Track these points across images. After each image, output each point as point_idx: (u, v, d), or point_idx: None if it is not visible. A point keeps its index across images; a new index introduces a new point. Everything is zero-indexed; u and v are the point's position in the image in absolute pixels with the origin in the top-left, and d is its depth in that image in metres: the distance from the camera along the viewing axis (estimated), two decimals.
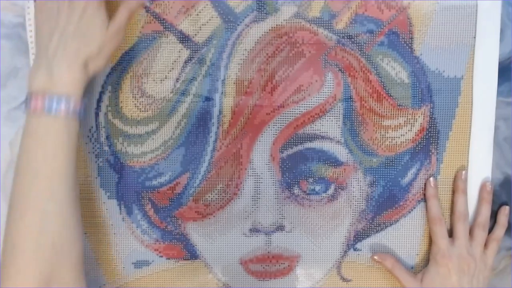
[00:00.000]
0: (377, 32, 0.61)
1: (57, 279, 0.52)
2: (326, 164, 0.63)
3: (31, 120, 0.53)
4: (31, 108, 0.52)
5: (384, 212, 0.65)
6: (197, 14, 0.61)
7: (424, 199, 0.65)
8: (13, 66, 0.63)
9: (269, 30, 0.61)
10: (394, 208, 0.65)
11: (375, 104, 0.62)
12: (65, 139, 0.53)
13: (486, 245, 0.65)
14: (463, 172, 0.64)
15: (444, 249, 0.62)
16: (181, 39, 0.61)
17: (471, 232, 0.64)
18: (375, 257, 0.65)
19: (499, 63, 0.63)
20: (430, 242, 0.65)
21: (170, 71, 0.61)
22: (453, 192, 0.64)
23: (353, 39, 0.61)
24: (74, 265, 0.54)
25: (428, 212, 0.64)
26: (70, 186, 0.54)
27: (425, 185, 0.64)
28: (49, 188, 0.52)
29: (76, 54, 0.53)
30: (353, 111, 0.62)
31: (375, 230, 0.65)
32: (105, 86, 0.62)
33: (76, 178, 0.55)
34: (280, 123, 0.62)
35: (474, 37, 0.62)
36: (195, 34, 0.61)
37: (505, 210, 0.66)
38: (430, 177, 0.64)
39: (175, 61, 0.61)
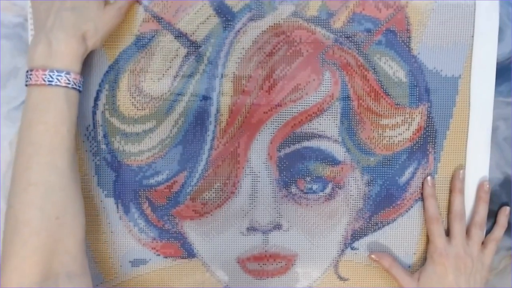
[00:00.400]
0: (374, 31, 0.61)
1: (61, 251, 0.53)
2: (324, 163, 0.63)
3: (32, 94, 0.54)
4: (32, 82, 0.53)
5: (382, 211, 0.65)
6: (195, 13, 0.61)
7: (422, 198, 0.64)
8: (13, 66, 0.63)
9: (267, 29, 0.61)
10: (391, 207, 0.65)
11: (372, 103, 0.62)
12: (66, 112, 0.54)
13: (484, 245, 0.64)
14: (461, 171, 0.64)
15: (441, 248, 0.62)
16: (179, 37, 0.61)
17: (468, 231, 0.64)
18: (373, 256, 0.64)
19: (499, 63, 0.63)
20: (427, 241, 0.65)
21: (168, 69, 0.62)
22: (450, 191, 0.64)
23: (350, 38, 0.62)
24: (79, 237, 0.55)
25: (425, 211, 0.64)
26: (71, 159, 0.54)
27: (422, 184, 0.64)
28: (52, 160, 0.53)
29: (73, 27, 0.54)
30: (351, 110, 0.62)
31: (372, 229, 0.65)
32: (103, 84, 0.62)
33: (76, 152, 0.56)
34: (278, 122, 0.62)
35: (472, 37, 0.62)
36: (193, 33, 0.61)
37: (505, 210, 0.65)
38: (427, 176, 0.64)
39: (172, 60, 0.61)
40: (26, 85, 0.54)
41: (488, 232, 0.66)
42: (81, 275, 0.55)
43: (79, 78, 0.55)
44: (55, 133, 0.53)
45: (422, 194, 0.64)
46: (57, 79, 0.53)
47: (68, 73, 0.54)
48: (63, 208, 0.53)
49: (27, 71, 0.54)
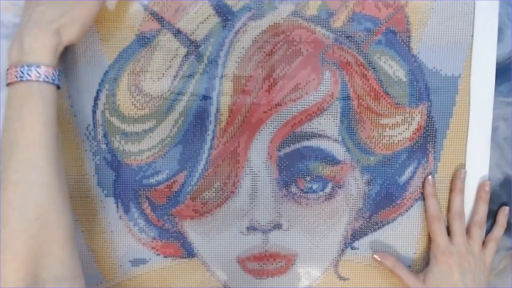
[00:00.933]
0: (374, 31, 0.62)
1: (47, 255, 0.50)
2: (324, 163, 0.63)
3: (9, 93, 0.52)
4: (8, 80, 0.52)
5: (382, 211, 0.65)
6: (195, 12, 0.61)
7: (422, 197, 0.64)
8: None
9: (267, 28, 0.61)
10: (391, 206, 0.65)
11: (372, 103, 0.62)
12: (40, 107, 0.52)
13: (484, 244, 0.64)
14: (463, 171, 0.64)
15: (443, 247, 0.62)
16: (179, 37, 0.61)
17: (468, 230, 0.64)
18: (375, 256, 0.64)
19: (499, 63, 0.63)
20: (428, 240, 0.65)
21: (168, 69, 0.62)
22: (451, 190, 0.64)
23: (350, 38, 0.62)
24: (64, 239, 0.52)
25: (426, 210, 0.64)
26: (52, 156, 0.52)
27: (423, 184, 0.64)
28: (29, 157, 0.51)
29: (46, 21, 0.53)
30: (351, 110, 0.62)
31: (372, 228, 0.65)
32: (102, 84, 0.62)
33: (60, 150, 0.54)
34: (278, 121, 0.62)
35: (472, 36, 0.62)
36: (193, 32, 0.61)
37: (504, 210, 0.65)
38: (427, 175, 0.64)
39: (172, 59, 0.61)
40: (6, 85, 0.53)
41: (488, 232, 0.66)
42: (72, 279, 0.52)
43: (51, 71, 0.53)
44: (30, 130, 0.51)
45: (422, 193, 0.64)
46: (27, 73, 0.51)
47: (38, 66, 0.52)
48: (44, 208, 0.50)
49: (6, 71, 0.53)
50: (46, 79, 0.52)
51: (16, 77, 0.51)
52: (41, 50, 0.53)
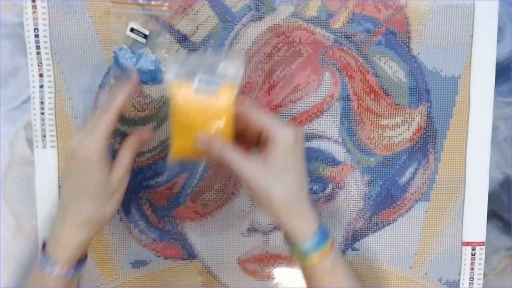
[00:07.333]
0: (374, 32, 0.62)
1: None
2: (324, 164, 0.63)
3: (33, 269, 0.56)
4: (38, 257, 0.55)
5: (382, 212, 0.65)
6: (194, 14, 0.61)
7: (423, 198, 0.64)
8: (13, 66, 0.63)
9: (266, 29, 0.61)
10: (391, 207, 0.65)
11: (372, 104, 0.62)
12: None
13: None
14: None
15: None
16: (179, 38, 0.61)
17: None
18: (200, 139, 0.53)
19: (499, 63, 0.63)
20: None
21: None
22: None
23: (350, 39, 0.62)
24: None
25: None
26: None
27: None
28: None
29: (72, 219, 0.54)
30: (351, 111, 0.62)
31: (373, 229, 0.65)
32: (102, 85, 0.62)
33: None
34: None
35: (472, 36, 0.62)
36: (193, 34, 0.61)
37: None
38: (428, 176, 0.64)
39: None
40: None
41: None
42: None
43: (65, 270, 0.54)
44: None
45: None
46: (44, 268, 0.54)
47: (54, 265, 0.53)
48: None
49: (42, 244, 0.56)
50: (58, 278, 0.54)
51: (39, 264, 0.54)
52: (64, 251, 0.54)
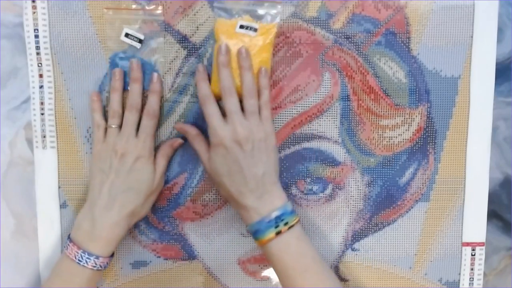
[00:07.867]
0: (374, 32, 0.61)
1: None
2: (324, 164, 0.63)
3: (63, 262, 0.58)
4: (67, 252, 0.58)
5: (382, 212, 0.65)
6: (194, 14, 0.61)
7: (422, 199, 0.64)
8: (13, 66, 0.63)
9: None
10: (391, 207, 0.65)
11: (372, 104, 0.62)
12: (84, 285, 0.57)
13: (260, 114, 0.59)
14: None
15: (215, 127, 0.57)
16: (179, 39, 0.61)
17: (242, 104, 0.58)
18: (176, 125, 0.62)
19: (499, 63, 0.63)
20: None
21: (168, 71, 0.61)
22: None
23: (350, 39, 0.61)
24: None
25: (198, 92, 0.59)
26: None
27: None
28: None
29: (119, 210, 0.58)
30: (351, 111, 0.62)
31: (372, 230, 0.65)
32: (102, 86, 0.62)
33: None
34: (278, 123, 0.62)
35: (471, 37, 0.62)
36: (193, 34, 0.61)
37: (261, 72, 0.59)
38: (428, 177, 0.64)
39: (172, 61, 0.61)
40: (65, 247, 0.59)
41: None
42: None
43: (107, 261, 0.58)
44: None
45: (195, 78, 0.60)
46: (86, 261, 0.57)
47: (97, 257, 0.57)
48: None
49: (68, 237, 0.59)
50: (100, 268, 0.58)
51: (75, 258, 0.57)
52: (107, 242, 0.58)
